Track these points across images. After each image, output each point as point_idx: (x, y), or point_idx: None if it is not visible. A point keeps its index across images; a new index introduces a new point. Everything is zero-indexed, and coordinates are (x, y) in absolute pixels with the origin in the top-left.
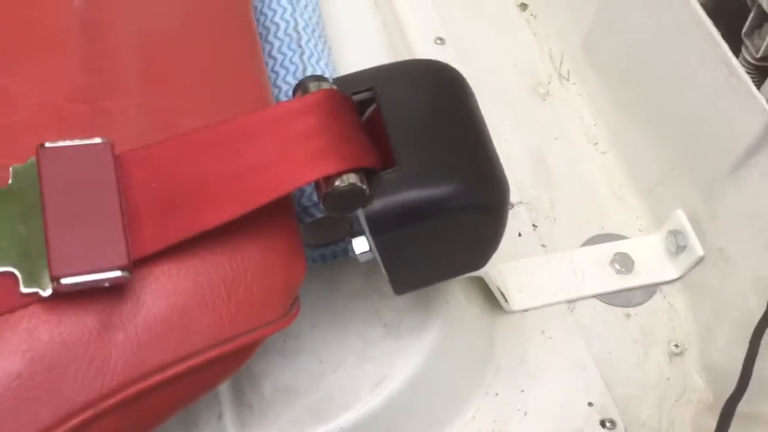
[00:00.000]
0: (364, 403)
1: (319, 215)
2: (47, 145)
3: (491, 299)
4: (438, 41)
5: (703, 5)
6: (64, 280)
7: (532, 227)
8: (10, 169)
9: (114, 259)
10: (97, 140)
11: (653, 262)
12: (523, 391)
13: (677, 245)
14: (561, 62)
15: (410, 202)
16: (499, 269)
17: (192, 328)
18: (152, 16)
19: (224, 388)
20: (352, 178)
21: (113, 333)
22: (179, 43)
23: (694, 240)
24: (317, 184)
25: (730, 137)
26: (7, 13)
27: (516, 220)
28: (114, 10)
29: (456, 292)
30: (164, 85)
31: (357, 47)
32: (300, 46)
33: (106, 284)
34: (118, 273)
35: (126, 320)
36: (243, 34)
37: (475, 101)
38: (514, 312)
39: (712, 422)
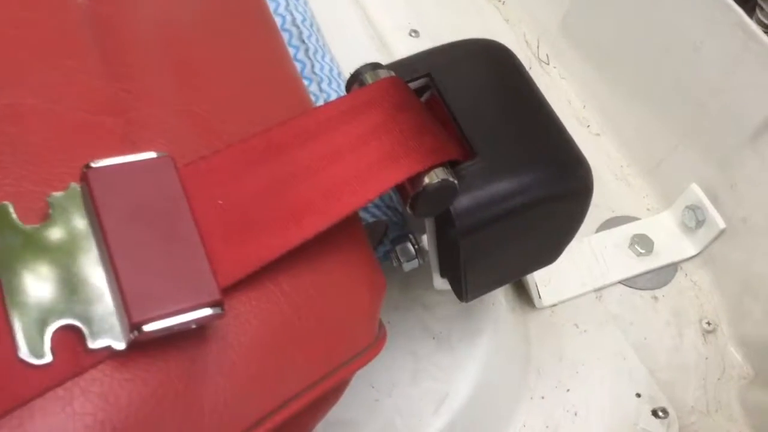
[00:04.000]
0: (429, 425)
1: (370, 220)
2: (93, 165)
3: (520, 297)
4: (413, 34)
5: None
6: (148, 327)
7: None
8: (48, 199)
9: (203, 294)
10: (152, 154)
11: (671, 240)
12: (568, 390)
13: (696, 220)
14: (538, 46)
15: (504, 193)
16: None
17: (287, 367)
18: (166, 7)
19: None
20: (441, 174)
21: (202, 383)
22: (203, 37)
23: (713, 213)
24: (400, 186)
25: (748, 104)
26: None
27: None
28: (123, 2)
29: (498, 293)
30: (197, 87)
31: (340, 42)
32: (303, 42)
33: (194, 326)
34: (209, 311)
35: (214, 366)
36: (266, 25)
37: (531, 78)
38: (544, 308)
39: (759, 395)
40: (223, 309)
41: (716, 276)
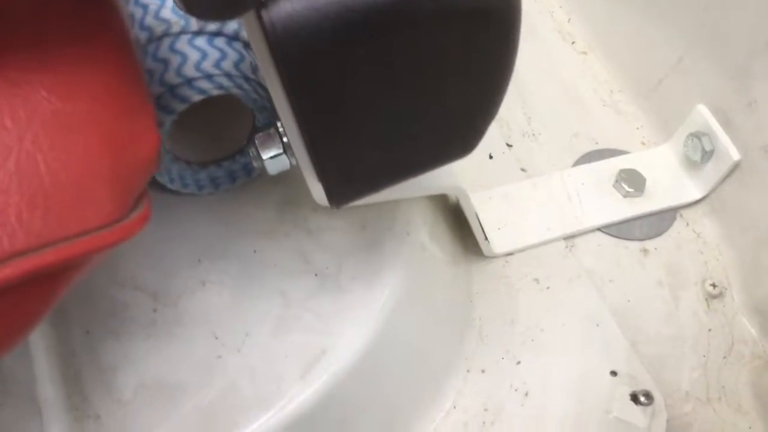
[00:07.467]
0: (291, 397)
1: (214, 91)
2: None
3: (464, 240)
4: None
5: None
6: None
7: (506, 147)
8: None
9: None
10: None
11: (668, 177)
12: (519, 363)
13: (702, 151)
14: None
15: None
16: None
17: None
18: None
19: (49, 391)
20: None
21: None
22: None
23: (724, 140)
24: None
25: None
26: None
27: (483, 139)
28: None
29: (416, 222)
30: None
31: None
32: None
33: None
34: None
35: None
36: None
37: None
38: (496, 256)
39: None
40: None
41: (726, 225)
